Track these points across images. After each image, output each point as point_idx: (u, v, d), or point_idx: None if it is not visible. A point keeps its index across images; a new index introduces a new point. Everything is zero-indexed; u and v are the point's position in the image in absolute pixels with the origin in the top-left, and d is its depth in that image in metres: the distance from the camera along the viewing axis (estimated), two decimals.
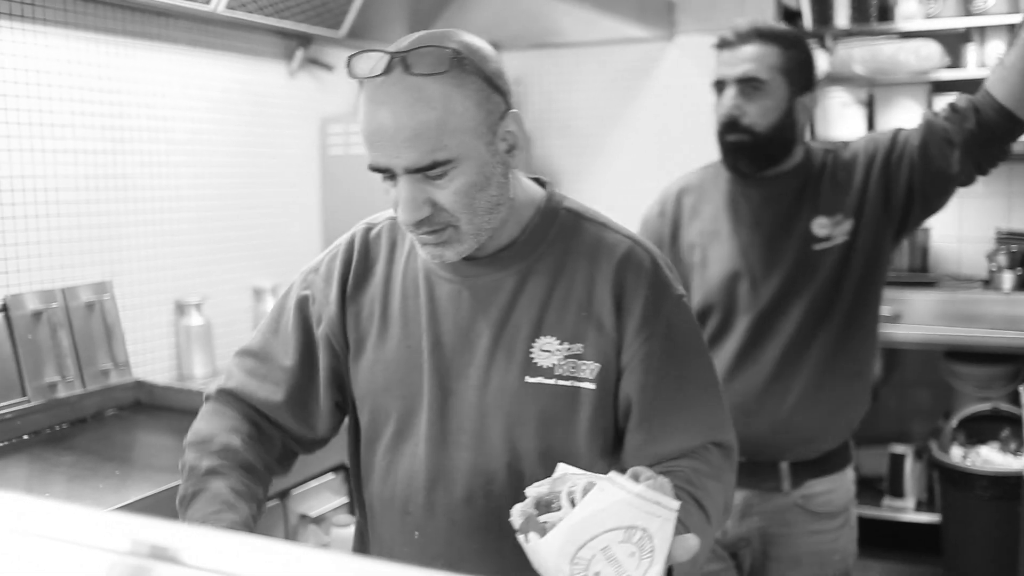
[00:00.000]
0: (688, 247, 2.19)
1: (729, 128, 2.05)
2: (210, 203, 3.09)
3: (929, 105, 3.83)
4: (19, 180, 2.49)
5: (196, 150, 3.01)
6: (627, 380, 1.30)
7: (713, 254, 2.14)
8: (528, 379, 1.29)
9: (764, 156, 2.07)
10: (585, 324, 1.29)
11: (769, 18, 3.40)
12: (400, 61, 1.18)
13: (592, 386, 1.28)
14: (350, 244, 1.43)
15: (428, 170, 1.19)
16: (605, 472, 1.16)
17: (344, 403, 1.47)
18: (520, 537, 1.09)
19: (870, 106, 3.94)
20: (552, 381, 1.28)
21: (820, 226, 2.07)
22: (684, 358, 1.33)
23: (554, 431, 1.29)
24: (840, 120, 3.89)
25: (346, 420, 1.50)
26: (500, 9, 3.64)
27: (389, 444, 1.37)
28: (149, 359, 2.87)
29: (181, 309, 2.96)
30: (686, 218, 2.21)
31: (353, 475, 1.49)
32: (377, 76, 1.19)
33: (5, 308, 2.44)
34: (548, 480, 1.12)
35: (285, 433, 1.45)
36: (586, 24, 3.58)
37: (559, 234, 1.34)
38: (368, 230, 1.45)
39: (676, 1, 3.72)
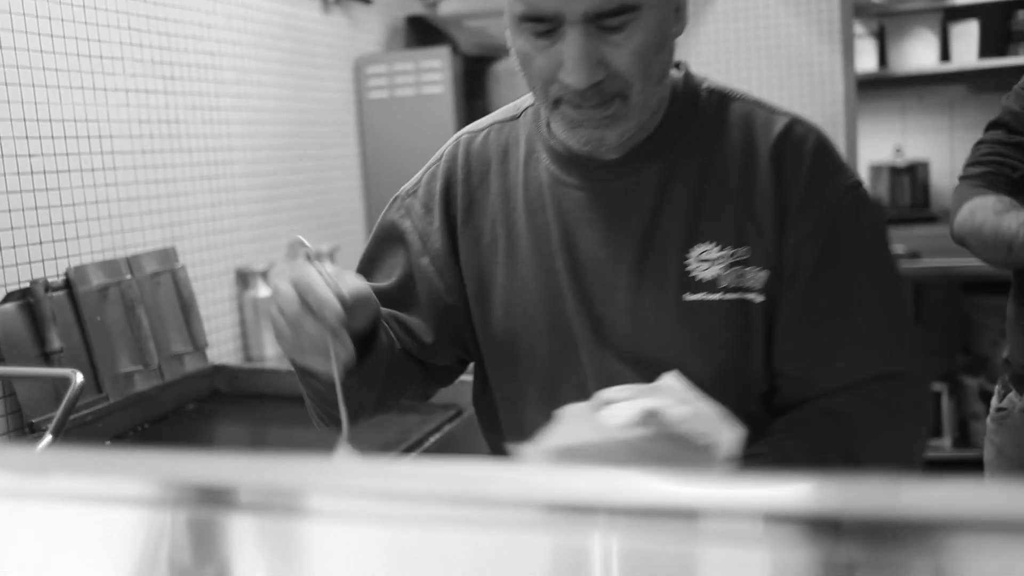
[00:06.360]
0: None
1: None
2: (263, 154, 2.63)
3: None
4: (71, 125, 2.01)
5: (245, 92, 2.56)
6: (787, 279, 1.07)
7: None
8: (688, 296, 1.07)
9: None
10: (747, 223, 1.07)
11: None
12: None
13: (761, 298, 1.06)
14: (452, 159, 1.21)
15: (612, 16, 0.98)
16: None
17: (459, 354, 1.24)
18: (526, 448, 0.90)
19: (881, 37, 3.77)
20: (717, 296, 1.07)
21: None
22: (853, 263, 1.07)
23: (727, 355, 1.08)
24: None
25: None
26: None
27: (543, 393, 1.15)
28: (214, 339, 2.41)
29: (244, 279, 2.50)
30: None
31: (490, 432, 1.26)
32: None
33: (68, 284, 1.96)
34: (642, 387, 0.93)
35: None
36: None
37: (704, 120, 1.12)
38: (471, 139, 1.21)
39: None
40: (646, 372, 1.07)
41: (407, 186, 1.24)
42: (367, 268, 1.23)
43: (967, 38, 3.66)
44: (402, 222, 1.22)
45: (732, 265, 1.06)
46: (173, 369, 2.18)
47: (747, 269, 1.06)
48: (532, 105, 1.19)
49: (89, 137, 2.05)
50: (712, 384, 1.02)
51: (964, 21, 3.65)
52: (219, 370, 2.29)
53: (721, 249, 1.07)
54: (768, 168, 1.07)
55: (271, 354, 2.50)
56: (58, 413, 1.18)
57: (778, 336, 1.08)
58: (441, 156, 1.22)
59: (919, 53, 3.68)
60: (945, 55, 3.71)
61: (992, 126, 1.96)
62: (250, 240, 2.56)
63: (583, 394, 1.09)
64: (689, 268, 1.08)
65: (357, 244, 3.13)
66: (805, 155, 1.07)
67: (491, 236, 1.17)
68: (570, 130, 1.05)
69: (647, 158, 1.10)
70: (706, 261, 1.07)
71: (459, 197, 1.18)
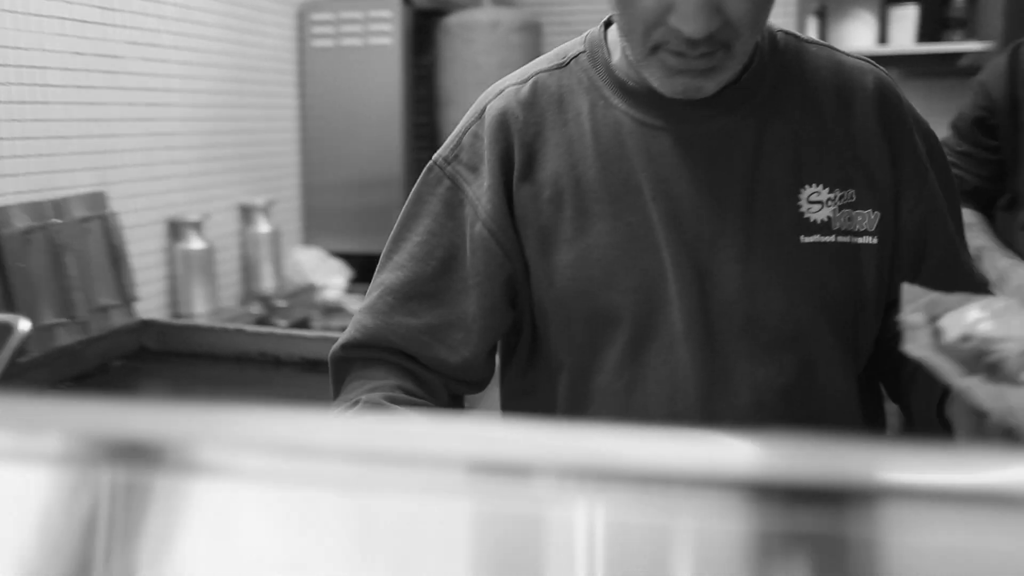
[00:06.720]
0: None
1: None
2: (202, 98, 2.47)
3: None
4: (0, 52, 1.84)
5: (186, 31, 2.39)
6: (912, 229, 1.08)
7: None
8: (804, 239, 1.03)
9: None
10: (851, 166, 1.06)
11: None
12: None
13: (874, 240, 1.05)
14: (501, 113, 1.08)
15: None
16: None
17: (518, 323, 1.13)
18: (965, 383, 0.79)
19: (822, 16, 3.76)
20: (832, 238, 1.04)
21: None
22: (956, 188, 1.15)
23: (840, 299, 1.06)
24: None
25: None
26: None
27: (624, 357, 1.05)
28: (141, 293, 2.26)
29: (176, 230, 2.35)
30: None
31: (534, 407, 1.15)
32: None
33: None
34: (916, 305, 0.88)
35: (443, 375, 1.11)
36: None
37: (787, 61, 1.09)
38: (517, 90, 1.09)
39: None
40: (747, 326, 1.03)
41: (443, 152, 1.10)
42: (395, 249, 1.11)
43: (905, 21, 3.67)
44: (447, 193, 1.09)
45: (842, 208, 1.05)
46: (99, 323, 2.03)
47: (855, 212, 1.05)
48: (583, 52, 1.09)
49: (19, 67, 1.88)
50: (827, 330, 1.04)
51: (903, 5, 3.67)
52: (147, 325, 2.14)
53: (831, 191, 1.05)
54: (871, 114, 1.07)
55: (201, 311, 2.37)
56: (2, 364, 1.05)
57: (925, 272, 1.08)
58: (482, 112, 1.10)
59: (858, 34, 3.68)
60: (883, 38, 3.72)
61: (951, 126, 1.94)
62: (183, 189, 2.41)
63: (671, 355, 1.04)
64: (802, 209, 1.04)
65: (293, 199, 2.99)
66: (901, 99, 1.09)
67: (554, 190, 1.06)
68: (667, 77, 0.98)
69: (741, 98, 1.05)
70: (817, 203, 1.04)
71: (516, 151, 1.07)
